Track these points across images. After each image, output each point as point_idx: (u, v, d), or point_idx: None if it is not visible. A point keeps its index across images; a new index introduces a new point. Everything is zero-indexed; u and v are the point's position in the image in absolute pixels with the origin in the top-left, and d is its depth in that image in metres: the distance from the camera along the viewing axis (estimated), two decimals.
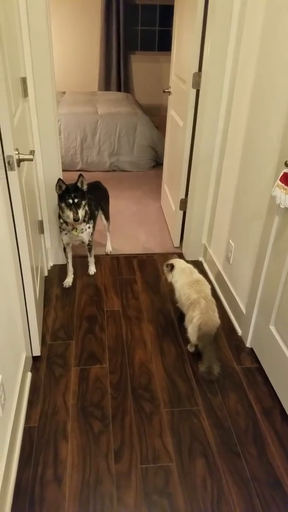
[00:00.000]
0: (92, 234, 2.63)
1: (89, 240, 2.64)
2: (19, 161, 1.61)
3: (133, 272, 2.84)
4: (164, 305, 2.52)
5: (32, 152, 1.83)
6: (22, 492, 1.49)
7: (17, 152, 1.57)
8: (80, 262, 2.89)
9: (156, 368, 2.05)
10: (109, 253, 3.05)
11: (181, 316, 2.28)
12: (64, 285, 2.65)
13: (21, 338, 1.87)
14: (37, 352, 2.05)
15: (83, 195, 2.36)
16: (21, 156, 1.63)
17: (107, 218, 2.98)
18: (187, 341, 2.14)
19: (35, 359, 2.07)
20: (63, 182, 2.32)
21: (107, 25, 6.23)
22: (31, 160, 1.68)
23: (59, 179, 2.32)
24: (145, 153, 4.74)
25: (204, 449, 1.67)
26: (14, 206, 1.63)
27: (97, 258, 2.96)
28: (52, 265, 2.88)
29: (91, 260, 2.79)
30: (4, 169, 1.54)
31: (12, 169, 1.54)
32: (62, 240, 2.60)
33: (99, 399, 1.87)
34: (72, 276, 2.71)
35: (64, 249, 2.66)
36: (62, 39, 6.35)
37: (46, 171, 2.54)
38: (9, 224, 1.63)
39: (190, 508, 1.46)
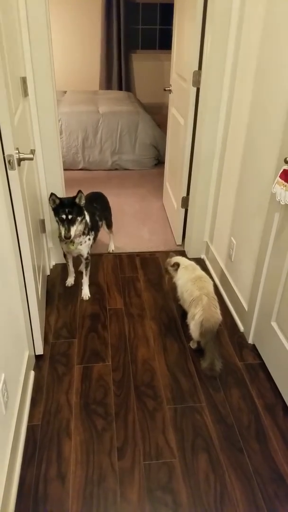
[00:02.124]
0: (91, 246, 2.51)
1: (88, 253, 2.49)
2: (20, 160, 1.62)
3: (136, 270, 2.85)
4: (167, 302, 2.53)
5: (32, 151, 1.84)
6: (26, 490, 1.50)
7: (17, 151, 1.58)
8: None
9: (159, 365, 2.05)
10: (111, 251, 3.04)
11: (183, 313, 2.28)
12: (66, 284, 2.65)
13: (24, 337, 1.88)
14: (39, 350, 2.06)
15: (79, 211, 2.24)
16: (22, 156, 1.64)
17: (109, 226, 2.94)
18: (189, 338, 2.15)
19: (38, 357, 2.08)
20: (56, 196, 2.20)
21: (108, 24, 6.23)
22: (31, 159, 1.69)
23: (52, 194, 2.19)
24: (147, 152, 4.75)
25: (207, 445, 1.67)
26: (15, 206, 1.64)
27: (100, 257, 2.97)
28: (54, 264, 2.89)
29: (85, 281, 2.54)
30: (4, 168, 1.54)
31: (12, 168, 1.54)
32: (62, 248, 2.55)
33: (102, 397, 1.88)
34: (74, 275, 2.69)
35: (64, 255, 2.63)
36: (63, 38, 6.35)
37: (47, 170, 2.55)
38: (10, 223, 1.64)
39: (193, 503, 1.47)
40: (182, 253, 3.04)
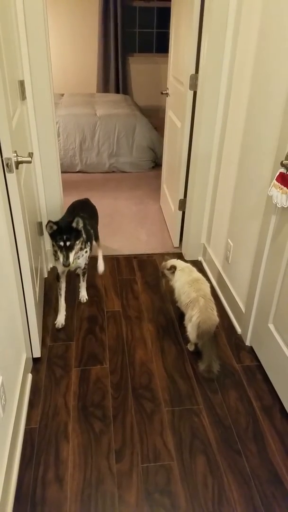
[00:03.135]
0: (88, 256, 2.41)
1: (85, 264, 2.42)
2: (18, 163, 1.62)
3: (133, 272, 2.85)
4: (164, 305, 2.53)
5: (30, 155, 1.85)
6: (24, 493, 1.50)
7: (15, 154, 1.58)
8: None
9: (157, 368, 2.06)
10: (100, 273, 2.82)
11: (181, 316, 2.28)
12: (56, 325, 2.33)
13: (21, 339, 1.88)
14: (37, 353, 2.06)
15: (77, 235, 2.12)
16: (20, 159, 1.64)
17: (96, 238, 2.71)
18: (187, 340, 2.15)
19: (35, 360, 2.08)
20: (53, 223, 2.07)
21: (105, 27, 6.26)
22: (29, 162, 1.69)
23: (49, 221, 2.08)
24: (144, 154, 4.76)
25: (205, 447, 1.67)
26: (13, 208, 1.64)
27: (96, 259, 2.96)
28: (51, 266, 2.89)
29: (83, 285, 2.54)
30: (2, 172, 1.55)
31: (10, 171, 1.55)
32: (57, 268, 2.32)
33: (100, 399, 1.88)
34: (65, 312, 2.38)
35: (58, 277, 2.36)
36: (60, 41, 6.37)
37: (45, 173, 2.56)
38: (8, 226, 1.64)
39: (191, 505, 1.47)
40: (180, 255, 3.05)
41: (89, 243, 2.38)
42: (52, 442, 1.68)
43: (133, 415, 1.80)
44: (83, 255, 2.33)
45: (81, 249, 2.27)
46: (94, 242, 2.62)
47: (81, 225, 2.12)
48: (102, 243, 3.06)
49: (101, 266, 2.84)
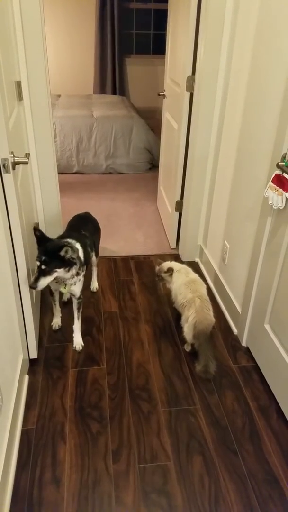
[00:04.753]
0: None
1: (80, 291, 2.10)
2: (14, 164, 1.62)
3: (130, 274, 2.85)
4: (161, 306, 2.53)
5: (27, 155, 1.85)
6: (21, 494, 1.50)
7: (12, 155, 1.58)
8: None
9: (154, 369, 2.06)
10: (95, 290, 2.65)
11: (178, 317, 2.29)
12: (53, 326, 2.31)
13: (18, 340, 1.88)
14: (34, 354, 2.06)
15: (60, 264, 1.82)
16: (16, 159, 1.64)
17: (96, 253, 2.52)
18: (183, 341, 2.16)
19: (32, 361, 2.08)
20: (39, 238, 1.82)
21: (102, 29, 6.26)
22: (26, 163, 1.69)
23: (34, 228, 1.85)
24: (141, 156, 4.77)
25: (202, 447, 1.68)
26: (9, 209, 1.64)
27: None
28: None
29: (77, 327, 2.18)
30: None
31: (7, 172, 1.55)
32: (49, 285, 1.96)
33: (97, 400, 1.88)
34: (60, 315, 2.33)
35: (50, 292, 2.20)
36: (57, 42, 6.37)
37: (42, 174, 2.56)
38: (4, 227, 1.64)
39: (188, 505, 1.47)
40: (176, 257, 3.06)
41: (84, 267, 2.08)
42: (49, 443, 1.68)
43: (130, 416, 1.81)
44: (80, 279, 2.04)
45: (78, 274, 1.99)
46: (94, 257, 2.49)
47: (69, 255, 1.83)
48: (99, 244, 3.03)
49: (95, 283, 2.67)
